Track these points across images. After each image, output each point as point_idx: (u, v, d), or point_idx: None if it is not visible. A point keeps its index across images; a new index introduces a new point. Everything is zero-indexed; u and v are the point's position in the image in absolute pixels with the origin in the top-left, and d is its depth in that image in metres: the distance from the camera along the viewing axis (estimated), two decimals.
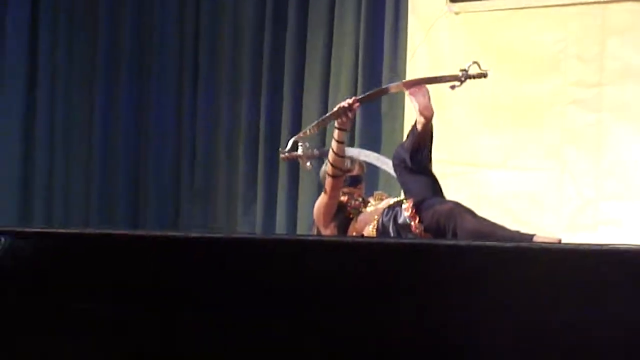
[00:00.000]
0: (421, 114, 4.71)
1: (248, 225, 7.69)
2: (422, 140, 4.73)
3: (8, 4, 8.43)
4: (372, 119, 7.12)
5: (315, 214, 4.88)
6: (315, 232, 4.90)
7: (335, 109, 4.92)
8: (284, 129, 7.49)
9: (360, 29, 7.26)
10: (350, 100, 4.87)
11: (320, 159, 5.27)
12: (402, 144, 4.93)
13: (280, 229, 7.50)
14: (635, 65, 6.36)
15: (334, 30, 7.41)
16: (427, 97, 4.73)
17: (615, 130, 6.41)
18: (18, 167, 8.41)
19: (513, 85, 6.68)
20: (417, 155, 4.72)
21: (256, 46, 7.78)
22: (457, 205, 4.57)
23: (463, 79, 4.81)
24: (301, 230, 7.27)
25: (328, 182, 4.84)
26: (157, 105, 8.20)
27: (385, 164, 5.53)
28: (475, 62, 4.85)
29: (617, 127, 6.40)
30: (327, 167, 4.86)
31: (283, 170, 7.49)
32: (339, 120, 4.84)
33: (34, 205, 8.39)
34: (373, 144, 6.81)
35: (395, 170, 4.89)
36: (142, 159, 8.25)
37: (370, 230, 4.69)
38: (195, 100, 8.08)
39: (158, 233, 3.34)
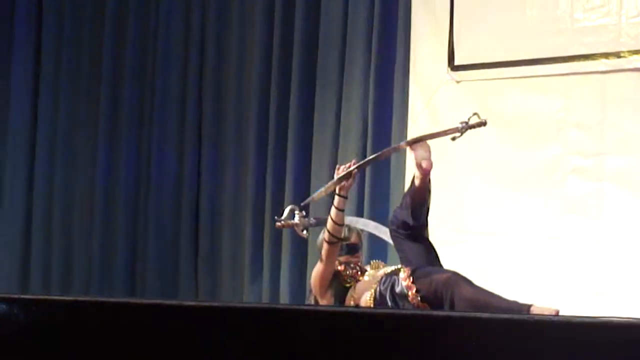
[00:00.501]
0: (419, 166, 4.72)
1: (255, 294, 7.65)
2: (421, 195, 4.72)
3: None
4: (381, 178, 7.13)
5: (312, 283, 4.86)
6: (312, 301, 4.87)
7: (339, 173, 4.89)
8: (288, 196, 7.49)
9: (369, 96, 7.31)
10: (350, 164, 4.87)
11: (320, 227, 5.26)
12: (399, 207, 4.90)
13: (284, 298, 7.47)
14: (636, 134, 6.37)
15: (343, 95, 7.45)
16: (426, 150, 4.74)
17: (615, 199, 6.40)
18: (18, 227, 8.41)
19: (514, 153, 6.71)
20: (418, 212, 4.70)
21: (262, 110, 7.81)
22: (455, 274, 4.54)
23: (463, 130, 4.81)
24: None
25: (324, 249, 4.83)
26: (158, 168, 8.21)
27: (384, 233, 5.52)
28: (475, 114, 4.86)
29: (617, 196, 6.39)
30: (324, 235, 4.85)
31: (286, 239, 7.46)
32: (340, 186, 4.84)
33: (32, 269, 8.39)
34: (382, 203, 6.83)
35: (392, 237, 4.88)
36: (142, 226, 8.25)
37: (367, 300, 4.66)
38: (199, 165, 8.09)
39: (151, 301, 3.33)
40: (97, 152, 8.38)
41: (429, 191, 4.79)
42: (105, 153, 8.35)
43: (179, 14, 8.23)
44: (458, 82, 6.90)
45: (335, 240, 4.79)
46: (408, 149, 5.02)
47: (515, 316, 3.07)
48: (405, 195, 4.88)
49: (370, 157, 5.48)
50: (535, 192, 6.63)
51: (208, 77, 8.09)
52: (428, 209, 4.81)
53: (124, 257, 8.24)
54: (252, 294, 7.64)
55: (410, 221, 4.71)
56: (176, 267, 8.07)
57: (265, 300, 7.53)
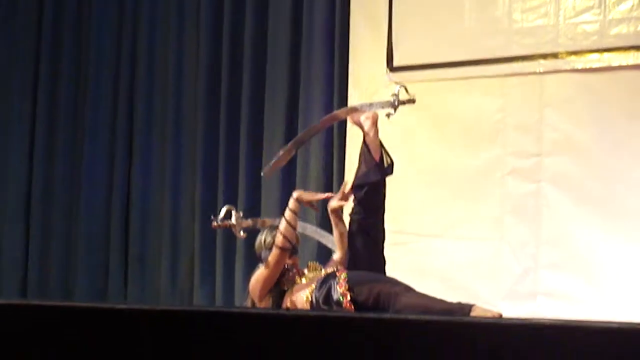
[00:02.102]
0: (363, 122, 4.79)
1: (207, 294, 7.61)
2: (375, 146, 4.72)
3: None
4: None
5: (251, 286, 4.75)
6: (249, 304, 4.79)
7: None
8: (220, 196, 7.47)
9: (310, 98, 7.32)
10: (295, 195, 4.83)
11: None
12: (356, 177, 4.82)
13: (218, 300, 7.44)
14: (573, 135, 6.39)
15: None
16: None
17: (553, 200, 6.42)
18: None
19: (453, 155, 6.71)
20: (378, 166, 4.68)
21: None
22: (394, 281, 4.48)
23: (396, 104, 4.84)
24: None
25: (274, 254, 4.70)
26: (90, 168, 8.20)
27: (324, 237, 5.48)
28: (403, 86, 4.89)
29: (555, 197, 6.41)
30: (274, 239, 4.71)
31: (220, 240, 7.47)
32: (298, 195, 4.81)
33: None
34: None
35: (350, 226, 4.75)
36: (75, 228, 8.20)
37: (303, 304, 4.59)
38: (130, 169, 8.06)
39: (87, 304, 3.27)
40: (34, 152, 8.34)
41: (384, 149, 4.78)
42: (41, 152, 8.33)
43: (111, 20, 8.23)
44: (397, 83, 6.85)
45: (288, 246, 4.69)
46: (348, 118, 5.14)
47: (454, 319, 3.03)
48: (360, 160, 4.81)
49: (310, 127, 5.47)
50: (474, 194, 6.63)
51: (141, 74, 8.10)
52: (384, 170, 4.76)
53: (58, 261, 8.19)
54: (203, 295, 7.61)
55: (372, 176, 4.67)
56: (106, 268, 8.04)
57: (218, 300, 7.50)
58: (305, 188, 7.03)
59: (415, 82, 6.76)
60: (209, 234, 7.42)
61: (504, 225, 6.53)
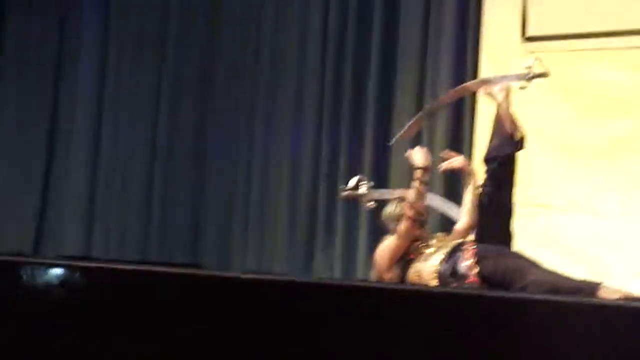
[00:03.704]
0: (496, 93, 4.78)
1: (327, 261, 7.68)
2: (508, 118, 4.71)
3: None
4: None
5: (378, 256, 4.76)
6: (375, 275, 4.81)
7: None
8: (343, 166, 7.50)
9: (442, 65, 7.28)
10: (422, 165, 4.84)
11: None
12: (488, 149, 4.81)
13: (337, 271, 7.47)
14: None
15: (420, 64, 7.42)
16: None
17: None
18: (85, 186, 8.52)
19: (584, 127, 6.60)
20: (511, 139, 4.67)
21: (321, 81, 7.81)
22: (520, 257, 4.45)
23: (529, 76, 4.79)
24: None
25: (405, 225, 4.69)
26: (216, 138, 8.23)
27: (450, 208, 5.46)
28: (537, 59, 4.83)
29: None
30: (402, 210, 4.71)
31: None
32: (423, 163, 4.79)
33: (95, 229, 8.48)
34: None
35: (480, 199, 4.73)
36: (202, 186, 8.26)
37: (431, 274, 4.59)
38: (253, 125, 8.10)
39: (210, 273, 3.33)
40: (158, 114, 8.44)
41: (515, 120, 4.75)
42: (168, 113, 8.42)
43: None
44: (532, 52, 6.77)
45: (418, 217, 4.69)
46: (480, 90, 5.07)
47: (581, 300, 3.01)
48: (492, 133, 4.80)
49: (440, 98, 5.43)
50: (606, 167, 6.52)
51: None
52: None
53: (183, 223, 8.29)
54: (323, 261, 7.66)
55: (508, 148, 4.66)
56: (230, 232, 8.08)
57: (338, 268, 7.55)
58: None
59: (549, 52, 6.69)
60: (331, 203, 7.49)
61: (636, 201, 6.41)
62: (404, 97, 7.37)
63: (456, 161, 5.04)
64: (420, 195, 4.71)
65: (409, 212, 4.69)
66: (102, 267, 3.36)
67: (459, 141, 7.03)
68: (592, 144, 6.56)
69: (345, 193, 5.14)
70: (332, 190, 7.29)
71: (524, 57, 6.69)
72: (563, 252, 6.53)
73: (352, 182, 5.12)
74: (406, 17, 7.46)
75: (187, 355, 2.96)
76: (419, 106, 6.95)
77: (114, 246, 8.32)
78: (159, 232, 8.28)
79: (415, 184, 4.73)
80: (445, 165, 5.04)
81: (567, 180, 6.64)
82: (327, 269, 7.57)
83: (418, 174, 4.75)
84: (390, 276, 4.71)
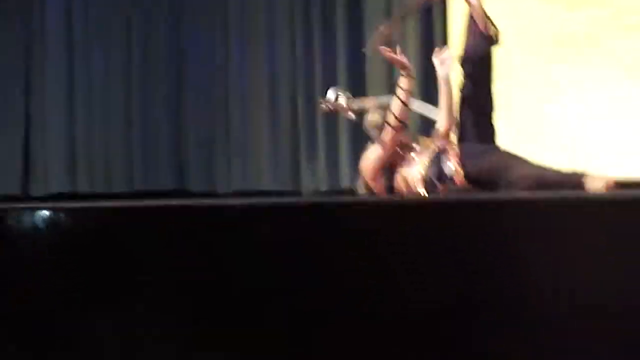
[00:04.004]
0: None
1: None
2: (481, 16, 4.60)
3: None
4: None
5: (364, 166, 4.73)
6: (362, 182, 4.81)
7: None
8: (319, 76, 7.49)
9: None
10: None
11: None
12: (463, 49, 4.71)
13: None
14: None
15: None
16: None
17: None
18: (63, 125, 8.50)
19: (563, 18, 6.58)
20: (485, 37, 4.58)
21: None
22: (505, 153, 4.45)
23: None
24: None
25: (389, 134, 4.63)
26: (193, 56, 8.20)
27: (431, 111, 5.44)
28: None
29: None
30: (389, 119, 4.66)
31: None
32: (405, 67, 4.70)
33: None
34: None
35: (460, 100, 4.66)
36: (182, 110, 8.26)
37: (417, 180, 4.59)
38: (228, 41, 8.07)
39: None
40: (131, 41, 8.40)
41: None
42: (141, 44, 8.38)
43: None
44: None
45: (401, 125, 4.66)
46: None
47: (561, 195, 3.01)
48: (466, 33, 4.72)
49: (409, 3, 5.31)
50: (582, 55, 6.52)
51: None
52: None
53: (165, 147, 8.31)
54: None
55: (483, 46, 4.61)
56: (213, 154, 8.13)
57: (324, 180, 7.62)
58: None
59: None
60: (311, 117, 7.51)
61: (616, 86, 6.42)
62: (373, 3, 7.33)
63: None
64: (404, 103, 4.66)
65: (392, 122, 4.66)
66: (85, 208, 3.35)
67: (432, 43, 7.02)
68: (569, 33, 6.54)
69: (324, 105, 5.10)
70: (311, 104, 7.29)
71: None
72: (548, 141, 6.57)
73: (331, 94, 5.08)
74: None
75: (181, 292, 2.97)
76: (389, 11, 6.95)
77: (100, 179, 8.31)
78: (142, 160, 8.28)
79: (398, 91, 4.68)
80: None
81: (543, 71, 6.64)
82: (312, 182, 7.62)
83: (402, 82, 4.69)
84: (377, 185, 4.72)
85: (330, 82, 6.84)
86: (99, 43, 8.41)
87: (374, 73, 7.17)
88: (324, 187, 7.61)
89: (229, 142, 8.01)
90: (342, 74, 7.44)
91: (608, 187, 4.03)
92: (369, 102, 5.17)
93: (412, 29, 7.10)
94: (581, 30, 6.50)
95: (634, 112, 6.42)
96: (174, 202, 3.36)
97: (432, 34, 7.09)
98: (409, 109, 4.72)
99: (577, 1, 6.51)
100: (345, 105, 5.06)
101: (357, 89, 6.76)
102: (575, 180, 4.11)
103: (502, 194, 3.11)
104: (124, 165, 8.31)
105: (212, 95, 8.09)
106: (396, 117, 4.63)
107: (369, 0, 7.37)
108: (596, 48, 6.47)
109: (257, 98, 7.91)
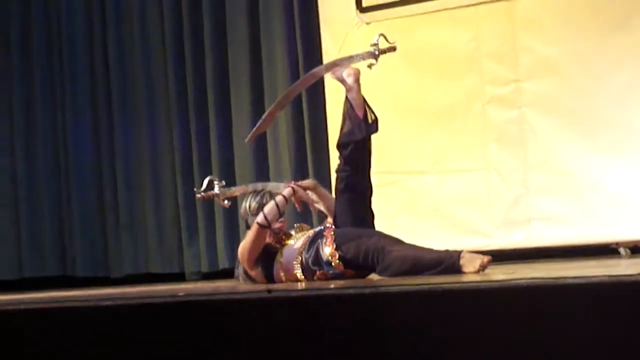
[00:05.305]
0: (345, 78, 4.63)
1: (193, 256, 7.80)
2: (359, 102, 4.61)
3: None
4: None
5: (240, 255, 4.70)
6: (241, 271, 4.77)
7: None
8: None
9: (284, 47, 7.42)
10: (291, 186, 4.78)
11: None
12: (341, 134, 4.69)
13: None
14: (548, 56, 6.35)
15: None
16: (347, 67, 4.66)
17: (536, 124, 6.39)
18: None
19: (431, 89, 6.67)
20: (363, 123, 4.58)
21: (178, 73, 7.90)
22: (381, 235, 4.44)
23: (377, 53, 4.65)
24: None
25: (255, 230, 4.65)
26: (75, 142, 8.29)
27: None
28: (382, 35, 4.73)
29: (538, 121, 6.39)
30: (258, 218, 4.64)
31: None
32: (295, 185, 4.77)
33: None
34: None
35: (337, 184, 4.65)
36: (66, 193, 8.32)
37: (295, 269, 4.57)
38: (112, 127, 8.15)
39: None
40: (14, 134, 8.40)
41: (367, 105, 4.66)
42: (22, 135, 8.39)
43: None
44: (368, 23, 6.82)
45: (267, 225, 4.63)
46: (328, 74, 4.88)
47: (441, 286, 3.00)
48: (344, 118, 4.70)
49: (290, 88, 5.30)
50: (457, 126, 6.60)
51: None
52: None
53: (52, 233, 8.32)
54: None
55: (361, 132, 4.58)
56: (103, 236, 8.21)
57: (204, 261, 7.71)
58: (277, 152, 7.15)
59: (386, 19, 6.73)
60: (189, 200, 7.60)
61: (490, 155, 6.51)
62: (239, 90, 7.52)
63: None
64: (278, 209, 4.66)
65: (260, 219, 4.64)
66: None
67: (313, 130, 7.15)
68: (442, 104, 6.63)
69: (199, 195, 5.13)
70: (190, 190, 7.37)
71: (362, 29, 6.78)
72: (429, 214, 6.61)
73: (205, 183, 5.11)
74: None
75: None
76: (258, 93, 7.27)
77: None
78: (30, 248, 8.29)
79: (279, 198, 4.70)
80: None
81: (421, 143, 6.71)
82: (195, 265, 7.74)
83: (286, 191, 4.74)
84: (255, 273, 4.68)
85: (207, 169, 7.10)
86: None
87: (240, 161, 7.44)
88: (204, 269, 7.70)
89: (119, 225, 8.11)
90: (215, 162, 7.60)
91: (483, 267, 4.05)
92: (239, 191, 5.21)
93: (289, 116, 7.26)
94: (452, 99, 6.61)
95: None
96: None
97: (307, 120, 7.27)
98: (280, 215, 4.71)
99: (447, 72, 6.63)
100: (218, 194, 5.10)
101: (230, 177, 7.01)
102: (451, 260, 4.11)
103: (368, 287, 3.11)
104: (12, 252, 8.32)
105: (99, 179, 8.24)
106: (265, 218, 4.62)
107: (233, 90, 7.57)
108: (465, 119, 6.57)
109: (141, 183, 8.04)
